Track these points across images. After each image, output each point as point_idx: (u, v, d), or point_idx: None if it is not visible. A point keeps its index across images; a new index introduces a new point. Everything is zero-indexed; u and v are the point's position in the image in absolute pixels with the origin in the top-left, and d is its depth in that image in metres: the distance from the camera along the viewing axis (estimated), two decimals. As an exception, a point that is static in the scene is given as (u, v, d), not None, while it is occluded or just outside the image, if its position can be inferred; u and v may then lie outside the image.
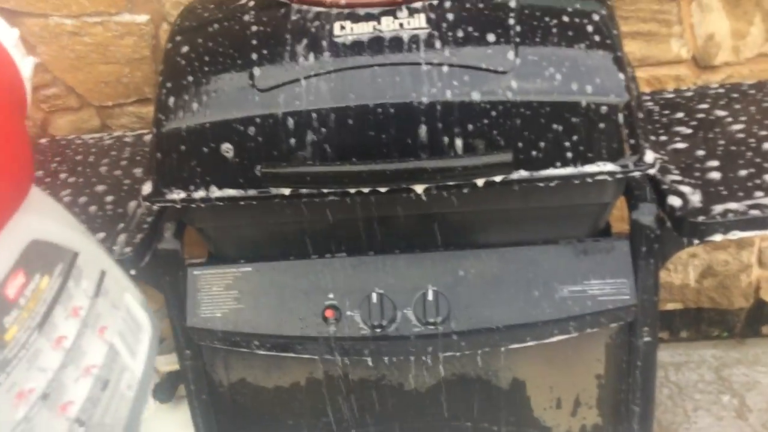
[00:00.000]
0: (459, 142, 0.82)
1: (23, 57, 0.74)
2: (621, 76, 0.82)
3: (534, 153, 0.83)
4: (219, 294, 0.96)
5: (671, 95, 1.17)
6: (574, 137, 0.82)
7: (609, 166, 0.84)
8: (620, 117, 0.82)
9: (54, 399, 0.66)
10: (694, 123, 1.07)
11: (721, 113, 1.09)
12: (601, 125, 0.82)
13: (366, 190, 0.84)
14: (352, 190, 0.84)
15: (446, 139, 0.82)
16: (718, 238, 0.87)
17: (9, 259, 0.63)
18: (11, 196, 0.65)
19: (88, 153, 1.19)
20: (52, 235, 0.70)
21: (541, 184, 0.85)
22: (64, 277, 0.69)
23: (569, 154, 0.83)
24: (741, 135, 1.01)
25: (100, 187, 1.08)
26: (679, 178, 0.94)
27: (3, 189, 0.63)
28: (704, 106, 1.12)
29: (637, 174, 0.85)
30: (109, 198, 1.05)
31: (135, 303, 0.83)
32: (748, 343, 1.65)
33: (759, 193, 0.89)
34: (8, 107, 0.67)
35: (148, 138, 1.21)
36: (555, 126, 0.82)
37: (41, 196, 0.75)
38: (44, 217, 0.71)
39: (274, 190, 0.85)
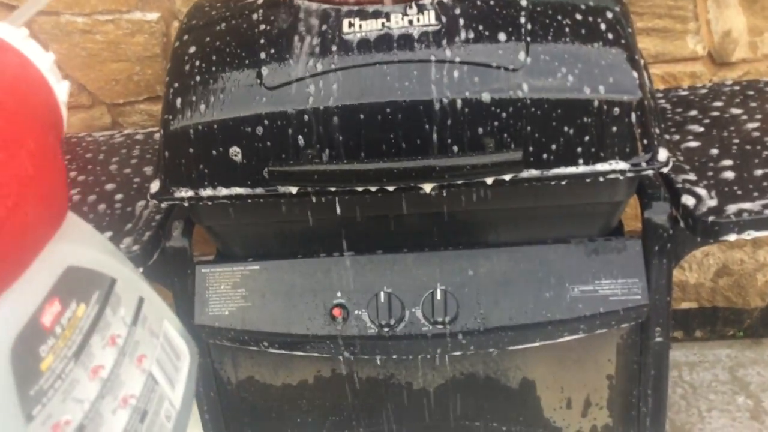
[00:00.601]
0: (468, 141, 0.81)
1: (59, 81, 0.73)
2: (634, 74, 0.81)
3: (545, 151, 0.82)
4: (227, 292, 0.96)
5: (685, 93, 1.15)
6: (586, 136, 0.81)
7: (621, 165, 0.82)
8: (633, 115, 0.81)
9: (91, 431, 0.64)
10: (707, 121, 1.05)
11: (736, 111, 1.07)
12: (614, 124, 0.81)
13: (374, 188, 0.83)
14: (360, 189, 0.83)
15: (456, 138, 0.81)
16: (732, 237, 0.85)
17: (44, 286, 0.61)
18: (48, 223, 0.64)
19: (99, 151, 1.20)
20: (89, 261, 0.68)
21: (552, 183, 0.84)
22: (102, 304, 0.68)
23: (581, 153, 0.82)
24: (757, 133, 1.00)
25: (110, 186, 1.08)
26: (692, 177, 0.92)
27: (39, 216, 0.61)
28: (719, 103, 1.10)
29: (649, 173, 0.84)
30: (119, 196, 1.05)
31: (174, 330, 0.82)
32: (764, 343, 1.62)
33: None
34: (45, 132, 0.66)
35: (158, 136, 1.21)
36: (566, 124, 0.81)
37: (77, 221, 0.73)
38: (80, 243, 0.69)
39: (281, 189, 0.85)
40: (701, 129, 1.03)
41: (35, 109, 0.67)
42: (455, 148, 0.82)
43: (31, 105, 0.67)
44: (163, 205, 0.98)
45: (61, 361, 0.62)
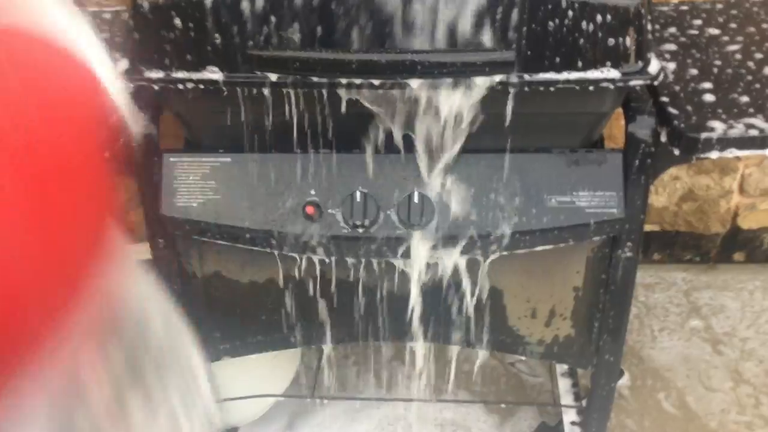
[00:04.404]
0: (460, 38, 0.78)
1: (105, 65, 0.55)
2: (635, -23, 0.78)
3: (535, 54, 0.79)
4: (196, 183, 0.93)
5: (666, 8, 1.12)
6: (580, 39, 0.78)
7: (613, 73, 0.80)
8: (631, 21, 0.78)
9: None
10: (684, 40, 1.03)
11: (715, 31, 1.05)
12: (611, 28, 0.78)
13: (358, 81, 0.79)
14: (344, 81, 0.79)
15: (447, 34, 0.77)
16: (714, 155, 0.85)
17: None
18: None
19: (59, 29, 1.12)
20: None
21: (541, 89, 0.81)
22: None
23: (573, 57, 0.79)
24: (738, 56, 0.98)
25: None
26: (671, 98, 0.91)
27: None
28: (698, 22, 1.07)
29: (640, 83, 0.82)
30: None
31: None
32: (720, 269, 1.67)
33: (757, 116, 0.87)
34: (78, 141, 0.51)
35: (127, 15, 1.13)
36: (561, 26, 0.78)
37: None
38: None
39: (259, 75, 0.80)
40: (678, 49, 1.01)
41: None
42: (446, 45, 0.78)
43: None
44: (130, 86, 0.93)
45: None
